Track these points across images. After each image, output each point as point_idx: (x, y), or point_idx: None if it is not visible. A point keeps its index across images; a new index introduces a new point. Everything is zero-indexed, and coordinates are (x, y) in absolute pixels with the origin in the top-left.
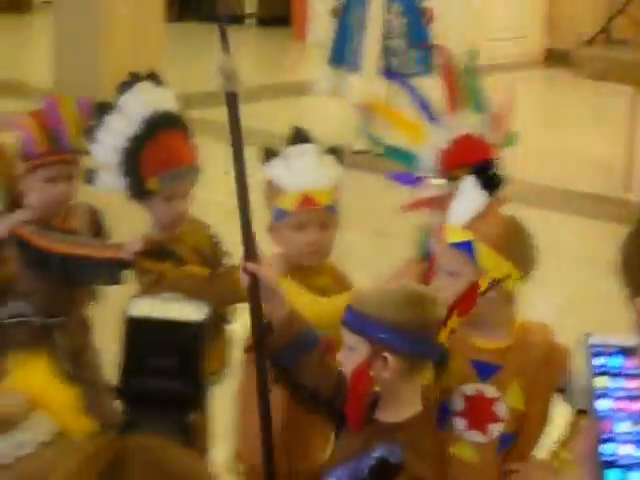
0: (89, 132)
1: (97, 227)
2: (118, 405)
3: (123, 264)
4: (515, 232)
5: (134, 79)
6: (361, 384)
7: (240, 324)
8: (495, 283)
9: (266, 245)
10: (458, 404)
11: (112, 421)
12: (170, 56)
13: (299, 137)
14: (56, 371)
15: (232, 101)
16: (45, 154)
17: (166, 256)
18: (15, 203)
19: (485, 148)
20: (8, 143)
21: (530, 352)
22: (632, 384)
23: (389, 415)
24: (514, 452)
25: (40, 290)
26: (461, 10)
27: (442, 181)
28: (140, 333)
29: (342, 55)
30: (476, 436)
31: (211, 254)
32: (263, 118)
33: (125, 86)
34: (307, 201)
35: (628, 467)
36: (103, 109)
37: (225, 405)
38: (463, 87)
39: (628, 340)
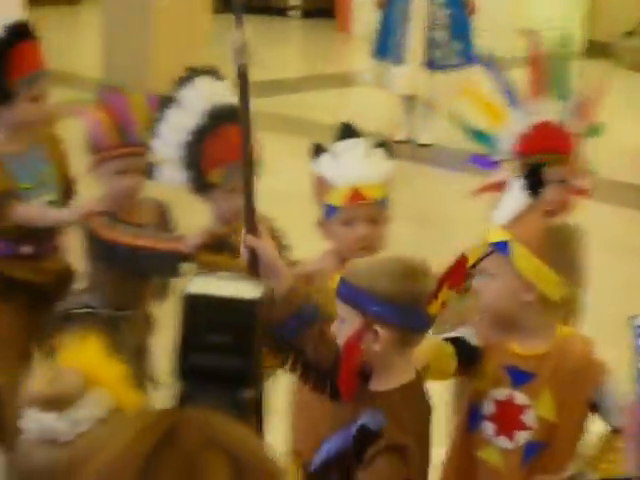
0: (151, 127)
1: (164, 222)
2: (175, 381)
3: (183, 257)
4: (557, 238)
5: (194, 73)
6: (352, 355)
7: None
8: (484, 257)
9: (317, 240)
10: (489, 408)
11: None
12: (216, 47)
13: (348, 132)
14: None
15: (243, 74)
16: (115, 147)
17: (226, 249)
18: (67, 194)
19: (564, 136)
20: (63, 134)
21: (565, 362)
22: None
23: (379, 385)
24: (544, 463)
25: (107, 282)
26: (503, 1)
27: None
28: (197, 310)
29: (386, 47)
30: (503, 442)
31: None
32: (307, 108)
33: (185, 80)
34: (356, 196)
35: None
36: (164, 103)
37: (281, 403)
38: (549, 73)
39: None
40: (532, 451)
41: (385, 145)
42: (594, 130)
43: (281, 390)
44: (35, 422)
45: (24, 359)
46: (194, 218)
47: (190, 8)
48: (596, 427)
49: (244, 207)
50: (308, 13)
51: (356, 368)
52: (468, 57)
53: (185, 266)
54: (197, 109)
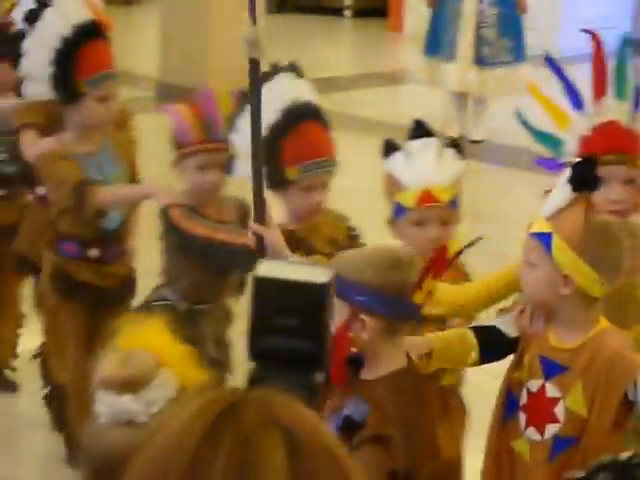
0: (231, 121)
1: (244, 220)
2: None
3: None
4: (598, 235)
5: (275, 70)
6: (341, 344)
7: None
8: (467, 247)
9: (381, 238)
10: (523, 399)
11: None
12: (271, 48)
13: (420, 130)
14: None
15: (254, 67)
16: (199, 142)
17: (299, 246)
18: None
19: (629, 136)
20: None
21: (598, 357)
22: None
23: (369, 374)
24: (576, 459)
25: (185, 276)
26: (552, 0)
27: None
28: (266, 293)
29: (437, 44)
30: (533, 434)
31: (347, 246)
32: (358, 106)
33: (266, 76)
34: (428, 198)
35: None
36: (244, 99)
37: None
38: (612, 74)
39: None
40: (561, 446)
41: (456, 145)
42: None
43: None
44: (110, 405)
45: (88, 357)
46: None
47: (245, 9)
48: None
49: (253, 197)
50: (360, 12)
51: (345, 357)
52: (518, 55)
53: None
54: (277, 106)
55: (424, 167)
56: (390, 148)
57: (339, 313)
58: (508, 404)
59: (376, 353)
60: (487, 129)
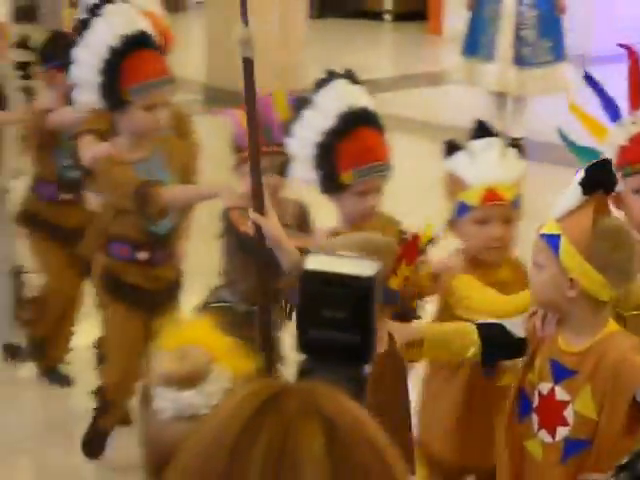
0: (287, 126)
1: (304, 222)
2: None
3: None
4: (607, 239)
5: (331, 76)
6: None
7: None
8: (434, 240)
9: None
10: (535, 400)
11: None
12: (313, 51)
13: (482, 130)
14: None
15: (248, 66)
16: None
17: None
18: None
19: None
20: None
21: (606, 360)
22: None
23: None
24: (590, 463)
25: (246, 278)
26: (590, 1)
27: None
28: (314, 285)
29: (476, 45)
30: (544, 436)
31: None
32: (400, 106)
33: (322, 82)
34: (492, 196)
35: None
36: (302, 104)
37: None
38: None
39: None
40: (573, 448)
41: (518, 145)
42: None
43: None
44: (173, 401)
45: (135, 359)
46: (321, 218)
47: (287, 14)
48: None
49: (251, 188)
50: (400, 16)
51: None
52: (557, 54)
53: None
54: (333, 111)
55: (488, 166)
56: (452, 148)
57: None
58: (522, 405)
59: None
60: (526, 127)
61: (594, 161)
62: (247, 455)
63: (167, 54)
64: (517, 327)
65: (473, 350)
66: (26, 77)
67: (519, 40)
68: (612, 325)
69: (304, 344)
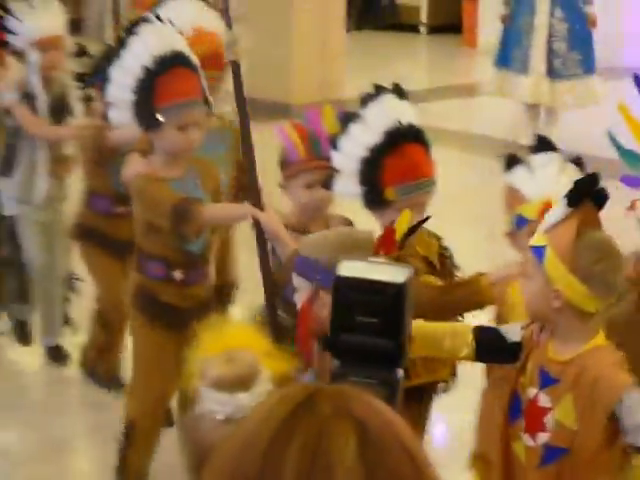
0: (333, 140)
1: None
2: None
3: None
4: (591, 251)
5: (379, 91)
6: (305, 320)
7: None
8: (415, 228)
9: (464, 244)
10: (524, 404)
11: None
12: (352, 64)
13: (543, 145)
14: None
15: (236, 69)
16: (306, 160)
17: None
18: None
19: None
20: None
21: (587, 372)
22: None
23: None
24: (568, 471)
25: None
26: (619, 15)
27: None
28: (347, 292)
29: (508, 58)
30: (528, 439)
31: (440, 265)
32: (435, 117)
33: (370, 97)
34: (549, 210)
35: None
36: (348, 118)
37: (460, 409)
38: None
39: None
40: (552, 455)
41: (578, 161)
42: None
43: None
44: (224, 404)
45: (170, 377)
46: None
47: (326, 28)
48: None
49: (248, 185)
50: (435, 29)
51: (310, 332)
52: (588, 67)
53: None
54: (380, 127)
55: (547, 180)
56: (512, 162)
57: (303, 291)
58: (514, 407)
59: None
60: (558, 138)
61: (584, 175)
62: (280, 457)
63: (224, 71)
64: (513, 332)
65: (467, 351)
66: (85, 87)
67: (551, 52)
68: (599, 338)
69: (337, 349)
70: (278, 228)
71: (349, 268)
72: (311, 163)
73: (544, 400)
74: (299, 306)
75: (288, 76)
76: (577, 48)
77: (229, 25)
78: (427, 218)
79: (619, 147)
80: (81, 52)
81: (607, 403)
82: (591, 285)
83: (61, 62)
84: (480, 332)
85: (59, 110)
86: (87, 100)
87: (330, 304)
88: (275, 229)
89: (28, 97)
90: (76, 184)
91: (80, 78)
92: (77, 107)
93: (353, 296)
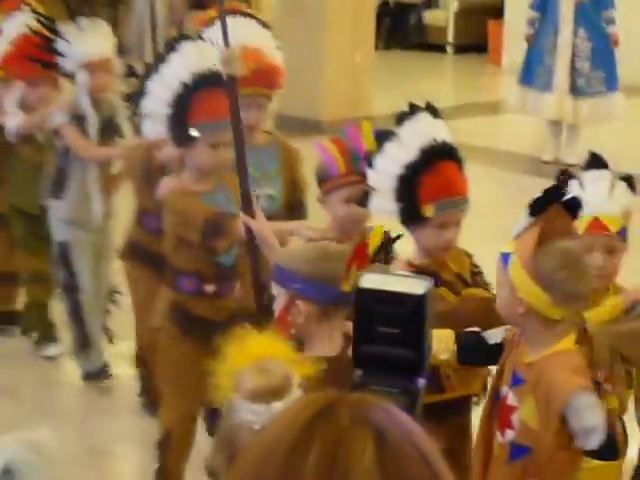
0: (369, 158)
1: (386, 252)
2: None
3: None
4: (551, 260)
5: (413, 110)
6: (281, 327)
7: None
8: (390, 242)
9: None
10: (499, 402)
11: None
12: (380, 81)
13: (595, 162)
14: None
15: (232, 83)
16: (344, 175)
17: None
18: None
19: None
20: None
21: (544, 375)
22: None
23: (306, 354)
24: (533, 469)
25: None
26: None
27: None
28: (368, 302)
29: (532, 75)
30: (499, 435)
31: (471, 282)
32: (461, 134)
33: (405, 115)
34: (597, 225)
35: None
36: (383, 137)
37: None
38: None
39: None
40: (517, 452)
41: (629, 180)
42: None
43: None
44: (260, 414)
45: (200, 387)
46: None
47: (356, 47)
48: None
49: (239, 192)
50: (462, 48)
51: (286, 338)
52: (610, 85)
53: None
54: (415, 145)
55: (596, 196)
56: (564, 177)
57: (281, 300)
58: (495, 405)
59: (311, 335)
60: (579, 154)
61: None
62: (299, 464)
63: (276, 89)
64: (495, 335)
65: (447, 355)
66: (132, 107)
67: (575, 71)
68: (566, 342)
69: (359, 359)
70: (268, 235)
71: (370, 280)
72: (351, 178)
73: (512, 399)
74: (276, 313)
75: (319, 93)
76: (600, 67)
77: (226, 43)
78: (399, 236)
79: None
80: (130, 73)
81: (558, 406)
82: (553, 293)
83: (110, 84)
84: (461, 337)
85: (108, 131)
86: (135, 120)
87: (305, 311)
88: (265, 236)
89: (78, 119)
90: (123, 202)
91: (128, 98)
92: (126, 127)
93: (374, 307)
